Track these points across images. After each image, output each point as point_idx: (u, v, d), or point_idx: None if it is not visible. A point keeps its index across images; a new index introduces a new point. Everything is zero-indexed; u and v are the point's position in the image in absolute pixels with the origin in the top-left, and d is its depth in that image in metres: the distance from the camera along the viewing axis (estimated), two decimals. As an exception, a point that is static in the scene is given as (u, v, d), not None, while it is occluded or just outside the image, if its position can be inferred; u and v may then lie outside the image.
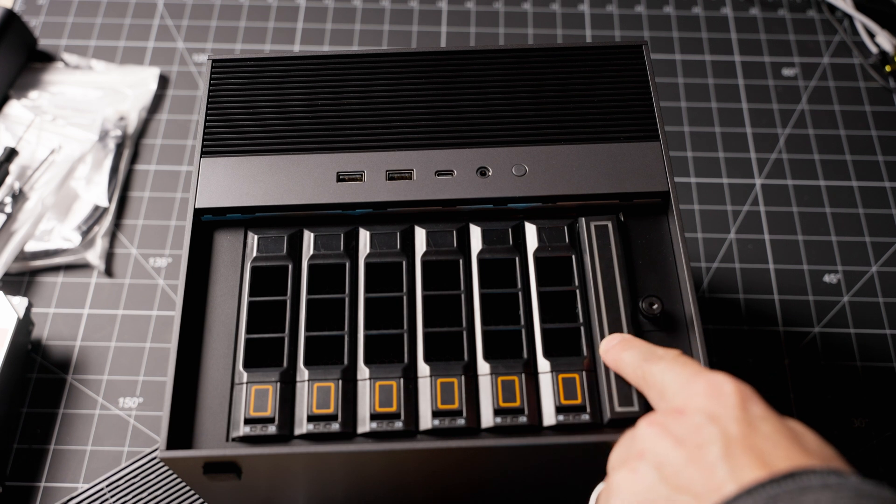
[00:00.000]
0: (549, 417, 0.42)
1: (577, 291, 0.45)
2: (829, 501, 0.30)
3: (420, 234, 0.47)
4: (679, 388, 0.37)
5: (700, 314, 0.44)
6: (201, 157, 0.48)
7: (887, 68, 0.75)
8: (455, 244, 0.47)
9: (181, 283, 0.44)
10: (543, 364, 0.43)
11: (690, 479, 0.33)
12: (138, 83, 0.75)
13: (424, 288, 0.46)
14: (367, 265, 0.46)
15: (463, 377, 0.43)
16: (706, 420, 0.34)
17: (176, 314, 0.43)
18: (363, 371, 0.43)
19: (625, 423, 0.42)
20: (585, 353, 0.43)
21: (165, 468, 0.57)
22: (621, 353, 0.41)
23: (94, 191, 0.69)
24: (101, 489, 0.57)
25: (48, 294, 0.65)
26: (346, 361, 0.43)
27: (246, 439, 0.42)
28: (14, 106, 0.73)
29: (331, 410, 0.42)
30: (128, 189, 0.70)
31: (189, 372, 0.44)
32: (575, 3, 0.81)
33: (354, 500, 0.48)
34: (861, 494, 0.30)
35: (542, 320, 0.44)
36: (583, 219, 0.47)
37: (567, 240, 0.46)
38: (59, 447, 0.59)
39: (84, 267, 0.66)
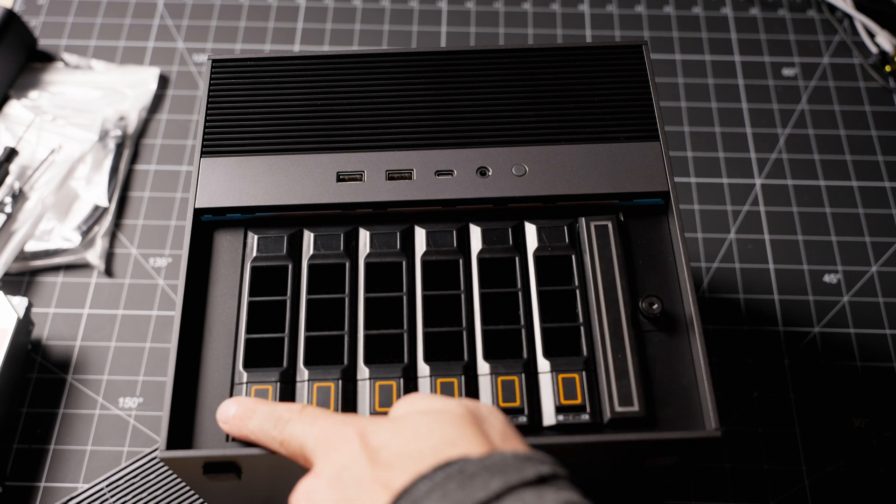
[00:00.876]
0: (549, 417, 0.42)
1: (577, 291, 0.45)
2: (438, 500, 0.31)
3: (420, 234, 0.47)
4: (314, 447, 0.37)
5: (700, 314, 0.44)
6: (201, 157, 0.48)
7: (887, 68, 0.75)
8: (455, 244, 0.47)
9: (181, 283, 0.44)
10: (543, 364, 0.43)
11: None
12: (138, 83, 0.75)
13: (424, 288, 0.46)
14: (367, 265, 0.46)
15: (463, 377, 0.43)
16: (339, 472, 0.34)
17: (176, 314, 0.43)
18: (363, 371, 0.43)
19: (625, 422, 0.42)
20: (585, 352, 0.43)
21: (165, 468, 0.57)
22: (246, 423, 0.39)
23: (94, 191, 0.69)
24: (101, 489, 0.57)
25: (48, 294, 0.65)
26: (346, 361, 0.43)
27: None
28: (14, 106, 0.73)
29: (330, 410, 0.42)
30: (128, 189, 0.70)
31: (189, 372, 0.44)
32: (575, 3, 0.81)
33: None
34: (469, 475, 0.32)
35: (542, 320, 0.44)
36: (583, 219, 0.47)
37: (567, 239, 0.46)
38: (59, 447, 0.59)
39: (84, 267, 0.66)
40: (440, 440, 0.34)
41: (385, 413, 0.41)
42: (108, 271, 0.66)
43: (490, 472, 0.32)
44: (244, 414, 0.40)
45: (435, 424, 0.35)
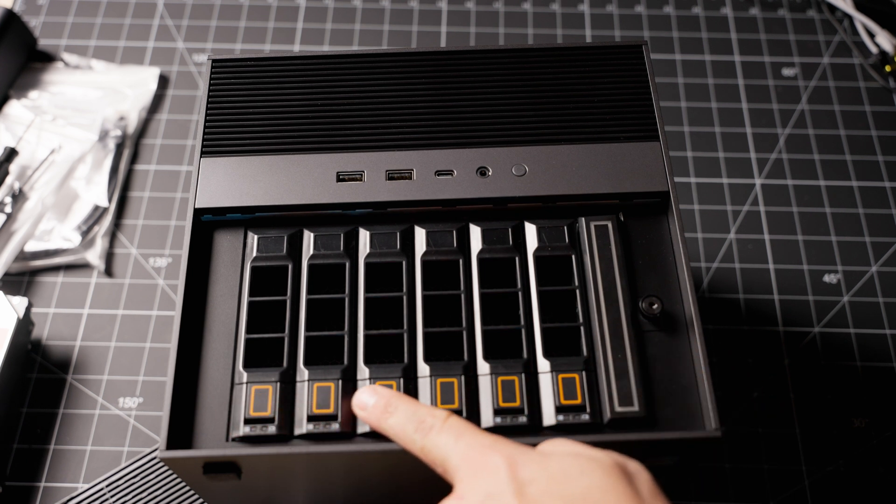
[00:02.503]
0: (549, 417, 0.42)
1: (577, 291, 0.45)
2: None
3: (420, 234, 0.47)
4: (458, 466, 0.36)
5: (700, 314, 0.44)
6: (201, 157, 0.48)
7: (887, 68, 0.75)
8: (455, 244, 0.47)
9: (181, 283, 0.44)
10: (543, 364, 0.43)
11: None
12: (138, 83, 0.75)
13: (424, 288, 0.46)
14: (367, 265, 0.46)
15: (463, 377, 0.43)
16: (484, 501, 0.34)
17: (176, 314, 0.43)
18: (363, 371, 0.43)
19: (624, 422, 0.42)
20: (585, 352, 0.43)
21: (165, 468, 0.57)
22: (388, 418, 0.39)
23: (94, 191, 0.69)
24: (101, 489, 0.57)
25: (48, 294, 0.65)
26: (346, 361, 0.43)
27: (246, 439, 0.42)
28: (14, 106, 0.73)
29: (331, 410, 0.42)
30: (128, 189, 0.70)
31: (189, 372, 0.44)
32: (575, 3, 0.81)
33: (354, 500, 0.48)
34: None
35: (542, 320, 0.44)
36: (583, 219, 0.47)
37: (567, 240, 0.46)
38: (59, 447, 0.59)
39: (84, 267, 0.66)
40: (591, 486, 0.34)
41: None
42: (108, 271, 0.66)
43: None
44: (385, 407, 0.39)
45: (587, 469, 0.34)
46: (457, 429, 0.37)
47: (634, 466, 0.36)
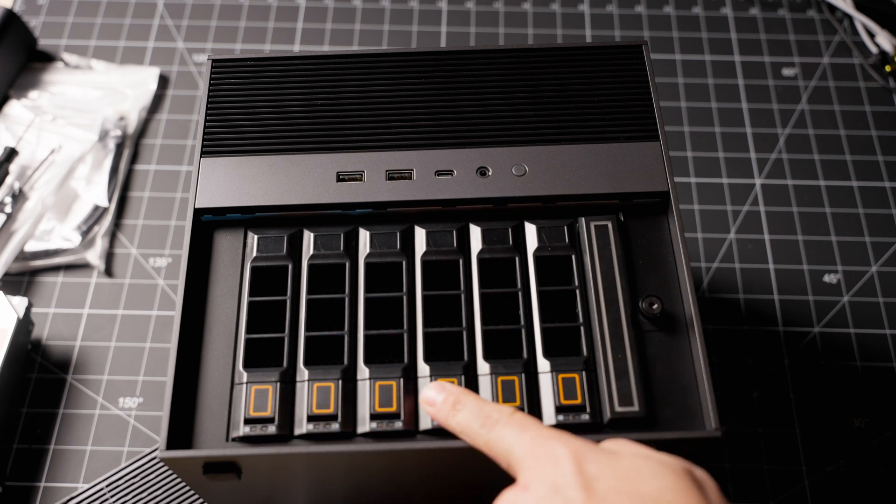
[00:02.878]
0: (549, 417, 0.42)
1: (577, 291, 0.45)
2: None
3: (420, 234, 0.47)
4: (523, 457, 0.36)
5: (700, 314, 0.44)
6: (201, 157, 0.48)
7: (887, 68, 0.75)
8: (455, 244, 0.47)
9: (181, 283, 0.44)
10: (543, 364, 0.43)
11: None
12: (138, 83, 0.75)
13: (424, 288, 0.46)
14: (367, 265, 0.46)
15: (463, 377, 0.43)
16: (549, 493, 0.34)
17: (176, 314, 0.43)
18: (363, 371, 0.43)
19: (624, 422, 0.42)
20: (585, 352, 0.43)
21: (165, 468, 0.57)
22: (455, 415, 0.39)
23: (94, 191, 0.69)
24: (101, 489, 0.57)
25: (48, 294, 0.65)
26: (346, 361, 0.43)
27: (246, 439, 0.42)
28: (14, 106, 0.73)
29: (331, 410, 0.42)
30: (128, 189, 0.70)
31: (189, 372, 0.44)
32: (575, 3, 0.81)
33: (354, 500, 0.48)
34: None
35: (542, 320, 0.44)
36: (583, 219, 0.47)
37: (567, 240, 0.46)
38: (59, 447, 0.59)
39: (84, 267, 0.66)
40: (663, 489, 0.33)
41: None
42: (108, 271, 0.66)
43: None
44: (453, 404, 0.39)
45: (658, 472, 0.34)
46: (521, 422, 0.37)
47: (701, 473, 0.35)
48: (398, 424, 0.42)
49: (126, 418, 0.60)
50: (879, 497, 0.57)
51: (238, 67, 0.51)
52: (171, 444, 0.41)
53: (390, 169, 0.48)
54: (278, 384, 0.43)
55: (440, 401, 0.40)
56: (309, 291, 0.45)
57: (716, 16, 0.80)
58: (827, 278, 0.66)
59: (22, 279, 0.66)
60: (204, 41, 0.78)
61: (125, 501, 0.56)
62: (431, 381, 0.43)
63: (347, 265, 0.46)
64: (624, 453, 0.35)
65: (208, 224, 0.48)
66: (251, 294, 0.45)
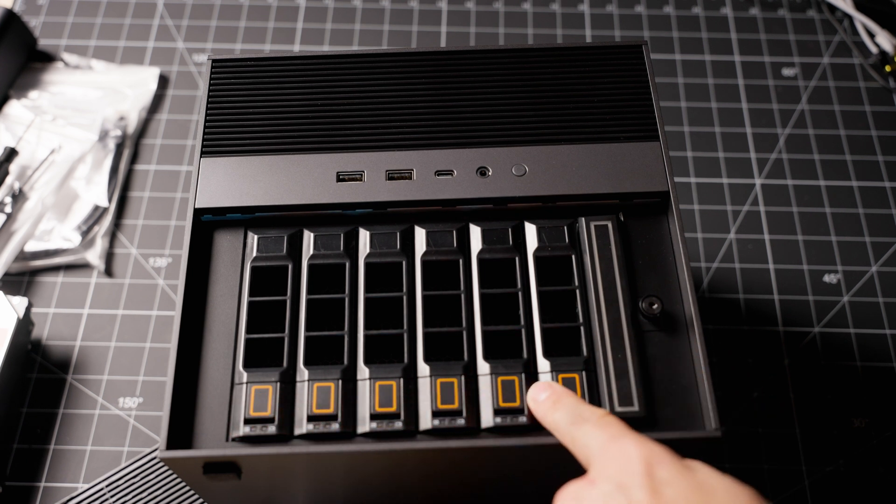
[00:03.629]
0: (549, 417, 0.42)
1: (577, 291, 0.45)
2: None
3: (420, 234, 0.47)
4: (597, 454, 0.37)
5: (700, 314, 0.44)
6: (201, 157, 0.48)
7: (887, 68, 0.75)
8: (455, 244, 0.47)
9: (181, 283, 0.44)
10: (543, 364, 0.43)
11: None
12: (138, 83, 0.75)
13: (424, 288, 0.46)
14: (367, 265, 0.46)
15: (463, 377, 0.43)
16: (614, 490, 0.34)
17: (176, 314, 0.43)
18: (363, 371, 0.43)
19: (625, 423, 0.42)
20: (585, 352, 0.43)
21: (165, 468, 0.57)
22: (553, 413, 0.40)
23: (94, 191, 0.69)
24: (101, 489, 0.57)
25: (48, 294, 0.65)
26: (346, 361, 0.43)
27: (246, 439, 0.42)
28: (14, 106, 0.73)
29: (331, 410, 0.42)
30: (128, 189, 0.70)
31: (189, 372, 0.44)
32: (575, 3, 0.81)
33: (354, 500, 0.48)
34: None
35: (542, 320, 0.44)
36: (583, 219, 0.47)
37: (567, 240, 0.46)
38: (59, 447, 0.59)
39: (84, 267, 0.66)
40: None
41: None
42: (108, 271, 0.66)
43: None
44: (554, 403, 0.40)
45: (732, 491, 0.34)
46: (608, 423, 0.38)
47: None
48: (398, 424, 0.42)
49: (126, 418, 0.60)
50: (879, 497, 0.57)
51: (238, 67, 0.51)
52: (171, 444, 0.41)
53: (390, 169, 0.48)
54: (278, 384, 0.43)
55: (542, 398, 0.41)
56: (309, 291, 0.45)
57: (716, 16, 0.80)
58: (827, 278, 0.66)
59: (22, 279, 0.66)
60: (204, 41, 0.78)
61: (125, 501, 0.56)
62: (431, 381, 0.43)
63: (347, 265, 0.46)
64: (699, 469, 0.35)
65: (208, 224, 0.48)
66: (251, 294, 0.45)
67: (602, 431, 0.37)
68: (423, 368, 0.43)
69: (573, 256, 0.46)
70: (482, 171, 0.48)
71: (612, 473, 0.35)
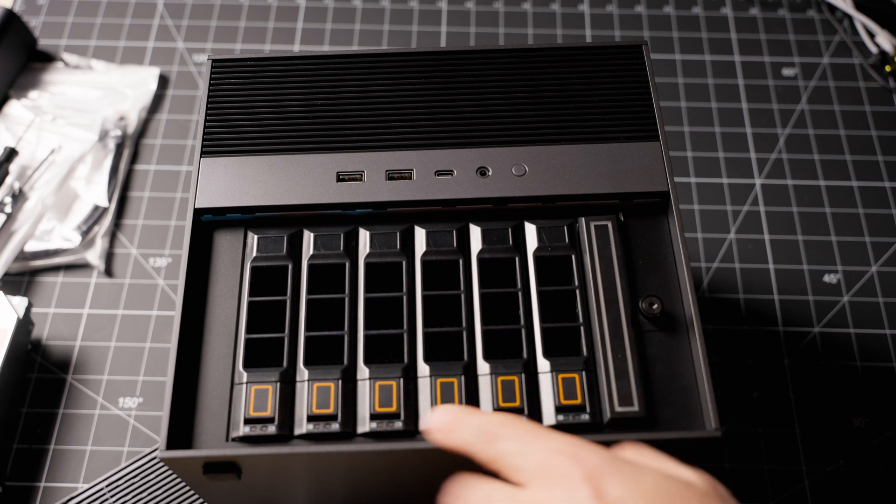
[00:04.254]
0: (549, 417, 0.42)
1: (577, 291, 0.45)
2: None
3: (420, 234, 0.47)
4: (532, 474, 0.34)
5: (700, 314, 0.44)
6: (201, 157, 0.48)
7: (887, 68, 0.75)
8: (455, 244, 0.47)
9: (181, 283, 0.44)
10: (543, 364, 0.43)
11: None
12: (138, 83, 0.75)
13: (424, 288, 0.46)
14: (366, 265, 0.46)
15: (463, 377, 0.43)
16: None
17: (176, 314, 0.43)
18: (363, 371, 0.43)
19: (625, 422, 0.42)
20: (585, 352, 0.43)
21: (165, 468, 0.57)
22: (452, 436, 0.37)
23: (94, 191, 0.69)
24: (101, 489, 0.57)
25: (48, 294, 0.65)
26: (345, 361, 0.43)
27: (246, 439, 0.42)
28: (14, 106, 0.73)
29: (331, 410, 0.42)
30: (128, 189, 0.70)
31: (189, 372, 0.44)
32: (575, 3, 0.81)
33: (354, 500, 0.48)
34: None
35: (542, 320, 0.44)
36: (583, 219, 0.47)
37: (567, 240, 0.46)
38: (59, 447, 0.59)
39: (84, 267, 0.66)
40: None
41: None
42: (108, 271, 0.66)
43: None
44: (450, 426, 0.37)
45: (686, 496, 0.32)
46: (522, 431, 0.35)
47: (723, 490, 0.34)
48: (398, 424, 0.42)
49: (126, 418, 0.60)
50: (879, 497, 0.57)
51: (238, 67, 0.51)
52: (171, 444, 0.41)
53: (390, 169, 0.48)
54: (278, 384, 0.43)
55: (437, 427, 0.38)
56: (309, 291, 0.45)
57: (716, 16, 0.80)
58: (827, 278, 0.66)
59: (22, 279, 0.66)
60: (204, 41, 0.78)
61: (125, 501, 0.56)
62: (431, 381, 0.43)
63: (347, 265, 0.46)
64: (647, 469, 0.33)
65: (208, 224, 0.48)
66: (251, 294, 0.45)
67: (524, 447, 0.34)
68: (423, 368, 0.43)
69: (573, 256, 0.46)
70: (482, 171, 0.48)
71: (556, 497, 0.32)
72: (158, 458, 0.55)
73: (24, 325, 0.60)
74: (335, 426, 0.42)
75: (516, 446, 0.35)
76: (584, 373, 0.43)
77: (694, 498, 0.32)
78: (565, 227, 0.47)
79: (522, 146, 0.49)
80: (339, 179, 0.48)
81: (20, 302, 0.59)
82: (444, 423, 0.38)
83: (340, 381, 0.43)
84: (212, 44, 0.78)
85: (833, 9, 0.80)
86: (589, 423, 0.42)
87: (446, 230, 0.47)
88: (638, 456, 0.35)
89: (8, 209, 0.66)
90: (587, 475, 0.32)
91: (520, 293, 0.45)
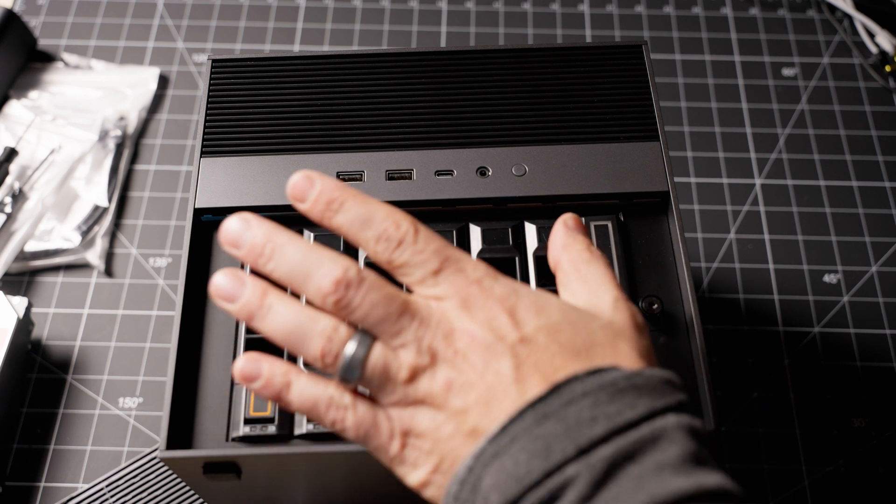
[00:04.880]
0: (549, 417, 0.42)
1: (577, 291, 0.45)
2: (589, 408, 0.31)
3: (420, 234, 0.47)
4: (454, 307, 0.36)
5: (700, 314, 0.44)
6: (201, 157, 0.48)
7: (887, 68, 0.75)
8: (455, 244, 0.47)
9: (181, 283, 0.44)
10: (543, 364, 0.43)
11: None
12: (138, 83, 0.75)
13: (424, 288, 0.45)
14: (367, 265, 0.46)
15: (463, 377, 0.43)
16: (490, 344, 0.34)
17: (176, 314, 0.43)
18: (363, 371, 0.43)
19: (625, 423, 0.42)
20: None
21: (165, 468, 0.57)
22: (333, 216, 0.35)
23: (94, 191, 0.69)
24: (101, 489, 0.57)
25: (48, 294, 0.65)
26: (345, 361, 0.43)
27: (246, 439, 0.42)
28: (14, 106, 0.73)
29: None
30: (128, 189, 0.70)
31: (189, 372, 0.44)
32: (575, 3, 0.81)
33: (354, 500, 0.48)
34: (619, 389, 0.31)
35: (542, 320, 0.44)
36: (583, 219, 0.47)
37: (567, 240, 0.46)
38: (59, 447, 0.59)
39: (84, 267, 0.66)
40: (594, 343, 0.34)
41: None
42: (108, 271, 0.66)
43: (638, 391, 0.32)
44: (327, 203, 0.35)
45: (591, 324, 0.34)
46: (432, 257, 0.36)
47: (641, 319, 0.37)
48: (398, 424, 0.41)
49: (126, 418, 0.60)
50: (879, 497, 0.57)
51: (238, 67, 0.51)
52: (171, 444, 0.41)
53: (390, 169, 0.48)
54: (278, 384, 0.42)
55: (312, 196, 0.35)
56: (309, 291, 0.45)
57: (716, 16, 0.80)
58: (827, 278, 0.66)
59: (22, 279, 0.66)
60: (204, 41, 0.78)
61: (125, 501, 0.56)
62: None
63: (347, 265, 0.46)
64: (558, 306, 0.35)
65: (208, 224, 0.48)
66: (251, 294, 0.45)
67: (433, 289, 0.36)
68: (423, 368, 0.43)
69: (573, 256, 0.46)
70: (482, 171, 0.48)
71: (479, 319, 0.34)
72: (158, 458, 0.55)
73: (24, 325, 0.60)
74: (335, 426, 0.41)
75: (428, 290, 0.37)
76: (584, 373, 0.43)
77: (607, 328, 0.35)
78: (565, 227, 0.47)
79: (522, 146, 0.49)
80: (338, 179, 0.48)
81: (20, 302, 0.59)
82: (319, 195, 0.36)
83: (340, 381, 0.42)
84: (212, 44, 0.78)
85: (833, 9, 0.80)
86: (589, 423, 0.41)
87: (446, 230, 0.47)
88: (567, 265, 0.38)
89: (8, 209, 0.66)
90: (507, 311, 0.35)
91: (520, 293, 0.45)
